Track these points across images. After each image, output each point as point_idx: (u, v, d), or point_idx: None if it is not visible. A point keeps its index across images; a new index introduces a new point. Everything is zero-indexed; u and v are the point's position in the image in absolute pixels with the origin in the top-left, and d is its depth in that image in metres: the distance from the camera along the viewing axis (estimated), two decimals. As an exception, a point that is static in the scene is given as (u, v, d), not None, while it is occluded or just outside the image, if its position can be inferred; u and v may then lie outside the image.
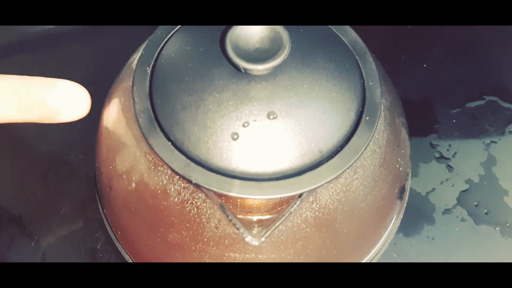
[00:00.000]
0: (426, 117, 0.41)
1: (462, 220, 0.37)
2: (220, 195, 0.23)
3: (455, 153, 0.39)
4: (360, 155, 0.23)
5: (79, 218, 0.36)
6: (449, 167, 0.39)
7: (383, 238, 0.30)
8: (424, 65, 0.44)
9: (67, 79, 0.24)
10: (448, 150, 0.39)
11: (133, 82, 0.25)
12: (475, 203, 0.37)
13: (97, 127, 0.30)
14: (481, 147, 0.40)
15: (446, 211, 0.37)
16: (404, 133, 0.30)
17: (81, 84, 0.24)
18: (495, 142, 0.40)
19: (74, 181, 0.37)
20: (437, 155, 0.39)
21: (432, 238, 0.36)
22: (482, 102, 0.42)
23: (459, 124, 0.41)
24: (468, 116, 0.41)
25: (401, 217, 0.32)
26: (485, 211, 0.37)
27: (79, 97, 0.24)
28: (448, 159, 0.39)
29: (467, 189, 0.38)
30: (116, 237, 0.30)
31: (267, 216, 0.25)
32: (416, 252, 0.35)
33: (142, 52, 0.25)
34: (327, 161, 0.23)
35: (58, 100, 0.24)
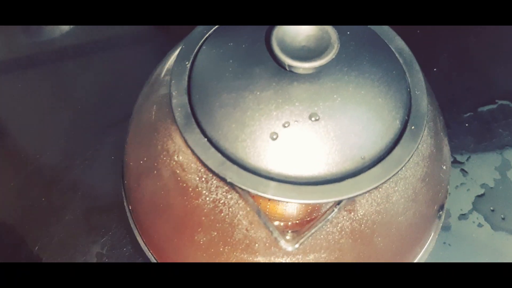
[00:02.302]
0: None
1: (479, 225, 0.35)
2: (254, 197, 0.22)
3: (468, 157, 0.38)
4: (403, 166, 0.22)
5: (83, 226, 0.35)
6: (464, 172, 0.37)
7: (418, 257, 0.28)
8: (435, 69, 0.43)
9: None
10: (461, 154, 0.38)
11: (171, 76, 0.24)
12: (492, 208, 0.36)
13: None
14: (495, 152, 0.39)
15: (462, 216, 0.35)
16: (446, 150, 0.29)
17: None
18: (509, 146, 0.39)
19: (78, 190, 0.36)
20: (451, 159, 0.38)
21: (449, 244, 0.34)
22: (494, 106, 0.41)
23: (472, 129, 0.40)
24: (480, 120, 0.40)
25: (437, 237, 0.30)
26: (502, 216, 0.36)
27: None
28: (462, 163, 0.38)
29: (482, 194, 0.37)
30: (139, 234, 0.29)
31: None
32: (433, 259, 0.33)
33: (182, 46, 0.25)
34: (369, 169, 0.22)
35: None
